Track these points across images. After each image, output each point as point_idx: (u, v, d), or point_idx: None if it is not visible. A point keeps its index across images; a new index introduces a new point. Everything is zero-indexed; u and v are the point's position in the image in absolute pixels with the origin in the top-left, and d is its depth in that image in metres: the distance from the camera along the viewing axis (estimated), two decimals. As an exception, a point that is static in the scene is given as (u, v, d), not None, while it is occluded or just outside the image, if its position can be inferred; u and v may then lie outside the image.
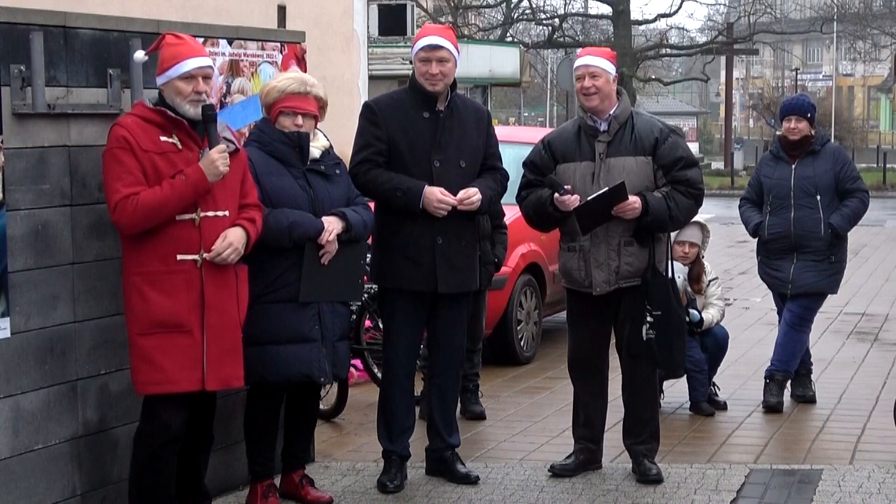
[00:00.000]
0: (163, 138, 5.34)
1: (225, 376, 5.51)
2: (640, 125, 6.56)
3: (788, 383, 8.55)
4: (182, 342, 5.36)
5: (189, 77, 5.37)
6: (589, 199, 6.35)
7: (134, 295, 5.35)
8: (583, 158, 6.52)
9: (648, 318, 6.46)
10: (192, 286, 5.38)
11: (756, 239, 8.52)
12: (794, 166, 8.30)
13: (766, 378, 8.45)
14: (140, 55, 5.47)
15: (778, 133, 8.60)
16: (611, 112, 6.53)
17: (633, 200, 6.36)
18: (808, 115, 8.31)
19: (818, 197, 8.22)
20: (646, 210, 6.39)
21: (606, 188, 6.33)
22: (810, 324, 8.54)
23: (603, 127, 6.52)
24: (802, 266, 8.26)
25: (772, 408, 8.28)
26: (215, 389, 5.53)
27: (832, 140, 8.81)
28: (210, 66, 5.52)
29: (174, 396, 5.38)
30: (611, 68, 6.54)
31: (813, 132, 8.36)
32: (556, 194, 6.39)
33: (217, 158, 5.36)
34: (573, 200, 6.38)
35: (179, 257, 5.35)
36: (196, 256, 5.38)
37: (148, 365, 5.33)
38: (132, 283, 5.35)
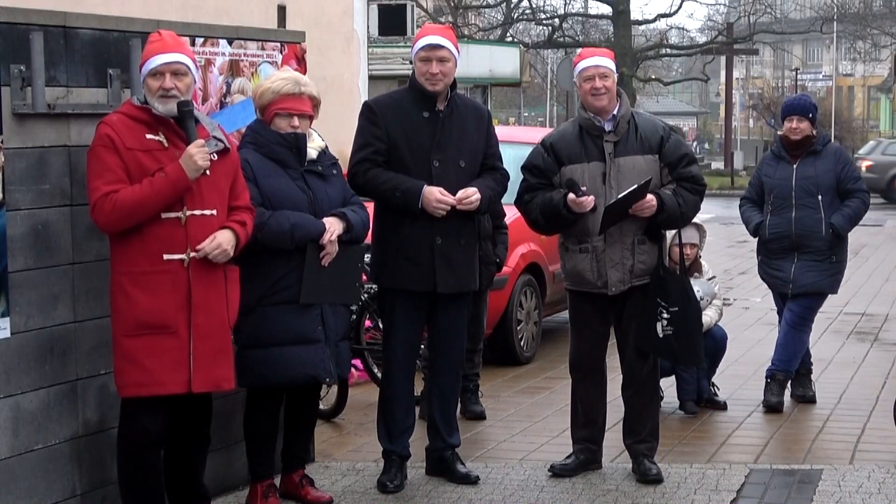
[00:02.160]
0: (149, 136, 5.29)
1: (213, 378, 5.42)
2: (642, 124, 6.60)
3: (789, 383, 8.56)
4: (168, 343, 5.29)
5: (157, 73, 5.30)
6: (620, 196, 6.36)
7: (119, 295, 5.29)
8: (590, 159, 6.53)
9: (665, 315, 6.50)
10: (179, 286, 5.31)
11: (756, 239, 8.53)
12: (795, 166, 8.31)
13: (766, 378, 8.45)
14: None
15: (779, 133, 8.60)
16: (614, 112, 6.55)
17: (651, 198, 6.41)
18: (810, 115, 8.33)
19: (819, 197, 8.23)
20: (661, 207, 6.43)
21: (636, 185, 6.35)
22: (811, 323, 8.54)
23: (608, 127, 6.54)
24: (803, 266, 8.26)
25: (772, 407, 8.28)
26: (202, 391, 5.43)
27: (833, 140, 8.81)
28: (181, 62, 5.35)
29: (153, 399, 5.32)
30: (615, 68, 6.60)
31: (814, 132, 8.37)
32: (573, 195, 6.39)
33: (195, 153, 5.27)
34: (589, 201, 6.39)
35: (166, 257, 5.29)
36: (183, 256, 5.31)
37: (133, 366, 5.28)
38: (118, 283, 5.30)
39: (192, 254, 5.32)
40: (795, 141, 8.31)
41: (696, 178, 6.59)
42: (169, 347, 5.29)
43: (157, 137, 5.31)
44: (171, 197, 5.26)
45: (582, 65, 6.61)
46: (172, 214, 5.30)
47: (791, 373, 8.48)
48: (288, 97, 5.98)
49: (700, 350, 6.78)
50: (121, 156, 5.22)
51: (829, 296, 8.57)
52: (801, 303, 8.34)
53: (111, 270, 5.36)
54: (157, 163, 5.27)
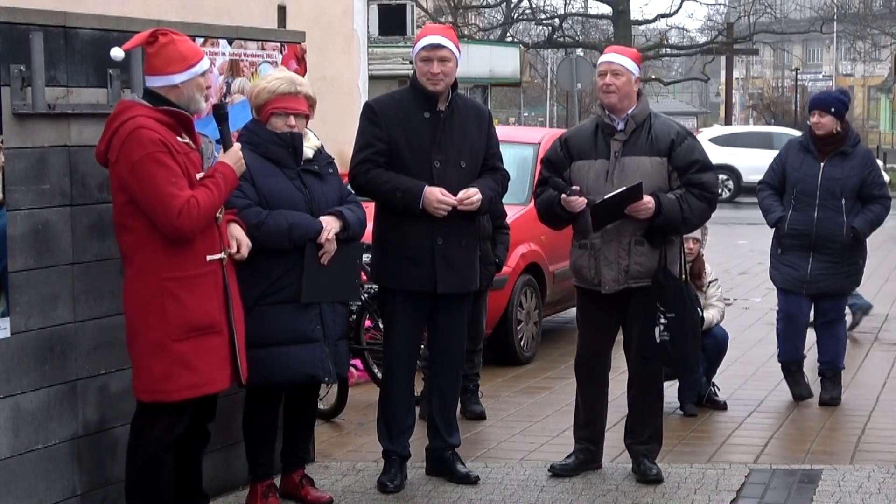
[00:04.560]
0: (179, 139, 5.29)
1: (246, 368, 5.58)
2: (657, 126, 6.58)
3: (788, 384, 8.58)
4: (214, 342, 5.36)
5: (205, 74, 5.40)
6: (606, 197, 6.35)
7: (169, 301, 5.22)
8: (598, 156, 6.54)
9: (662, 320, 6.47)
10: (219, 285, 5.40)
11: (773, 229, 8.50)
12: (822, 164, 8.26)
13: (818, 376, 8.56)
14: (118, 52, 5.27)
15: (808, 122, 8.59)
16: (629, 111, 6.54)
17: (647, 201, 6.38)
18: (832, 109, 8.24)
19: (843, 200, 8.21)
20: (658, 210, 6.41)
21: (624, 187, 6.34)
22: (844, 318, 8.74)
23: (620, 126, 6.54)
24: (820, 267, 8.27)
25: (826, 402, 8.37)
26: (246, 382, 5.59)
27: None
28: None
29: (183, 400, 5.35)
30: (634, 69, 6.57)
31: (838, 129, 8.28)
32: (563, 195, 6.40)
33: (242, 156, 5.47)
34: (580, 202, 6.39)
35: (209, 258, 5.35)
36: (222, 255, 5.41)
37: (185, 369, 5.27)
38: (165, 289, 5.22)
39: (229, 251, 5.45)
40: (820, 136, 8.28)
41: (705, 185, 6.51)
42: (215, 346, 5.37)
43: (184, 140, 5.32)
44: (227, 198, 5.41)
45: (599, 60, 6.65)
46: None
47: (839, 368, 8.55)
48: (284, 96, 5.98)
49: (694, 363, 6.69)
50: (176, 160, 5.20)
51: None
52: (827, 305, 8.46)
53: (149, 276, 5.22)
54: (192, 165, 5.30)
